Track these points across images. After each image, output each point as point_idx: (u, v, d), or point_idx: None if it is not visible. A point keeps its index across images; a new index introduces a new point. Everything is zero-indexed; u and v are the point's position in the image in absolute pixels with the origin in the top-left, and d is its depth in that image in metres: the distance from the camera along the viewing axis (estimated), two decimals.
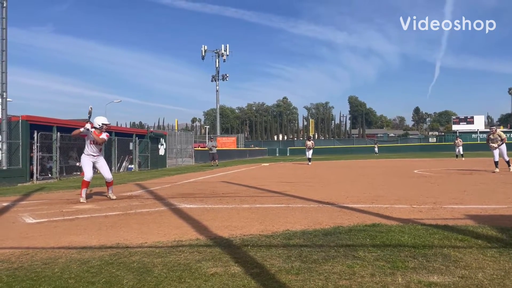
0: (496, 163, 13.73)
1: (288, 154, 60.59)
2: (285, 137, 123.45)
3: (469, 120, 64.69)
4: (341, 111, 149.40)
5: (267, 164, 26.03)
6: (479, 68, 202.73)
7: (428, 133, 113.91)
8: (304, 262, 3.30)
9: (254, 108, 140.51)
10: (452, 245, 3.72)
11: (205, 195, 8.63)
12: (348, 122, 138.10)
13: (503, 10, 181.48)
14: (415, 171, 15.21)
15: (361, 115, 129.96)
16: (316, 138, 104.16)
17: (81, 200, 7.63)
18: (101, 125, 8.01)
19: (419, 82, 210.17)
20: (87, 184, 7.83)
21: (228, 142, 47.58)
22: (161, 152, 23.94)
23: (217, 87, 47.09)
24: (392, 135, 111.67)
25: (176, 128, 60.62)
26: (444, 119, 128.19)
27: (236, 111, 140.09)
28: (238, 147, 48.90)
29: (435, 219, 5.10)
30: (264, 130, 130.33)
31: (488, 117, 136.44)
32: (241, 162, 30.71)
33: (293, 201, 7.26)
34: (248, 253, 3.64)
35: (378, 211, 5.90)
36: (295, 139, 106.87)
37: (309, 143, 23.92)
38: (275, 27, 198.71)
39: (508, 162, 13.77)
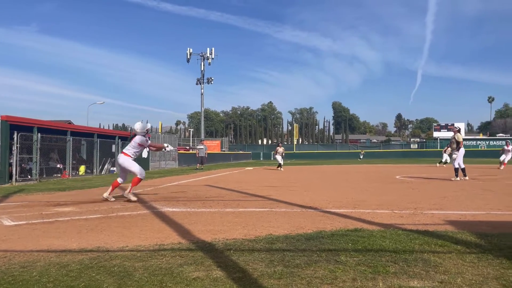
0: (462, 170, 13.16)
1: (272, 158, 60.60)
2: (270, 141, 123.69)
3: (450, 127, 65.80)
4: (325, 117, 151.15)
5: (251, 168, 26.03)
6: (460, 76, 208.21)
7: (410, 140, 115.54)
8: (287, 266, 3.31)
9: (239, 112, 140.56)
10: (432, 250, 3.77)
11: (188, 198, 8.57)
12: (332, 127, 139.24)
13: (483, 20, 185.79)
14: (397, 177, 15.41)
15: (344, 120, 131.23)
16: (300, 143, 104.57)
17: (133, 198, 7.87)
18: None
19: (402, 89, 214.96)
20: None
21: (212, 146, 47.43)
22: (144, 154, 23.66)
23: (202, 90, 46.92)
24: (374, 141, 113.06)
25: (160, 131, 60.07)
26: (426, 126, 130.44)
27: (221, 114, 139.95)
28: (222, 150, 48.79)
29: (416, 224, 5.17)
30: (249, 134, 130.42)
31: (468, 125, 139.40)
32: (225, 166, 30.65)
33: (276, 205, 7.26)
34: (230, 257, 3.63)
35: (360, 216, 5.95)
36: (279, 143, 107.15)
37: (280, 149, 23.52)
38: (260, 32, 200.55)
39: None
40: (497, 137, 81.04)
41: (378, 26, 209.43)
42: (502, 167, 21.20)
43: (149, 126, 8.64)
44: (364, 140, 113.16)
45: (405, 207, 6.79)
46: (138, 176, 8.09)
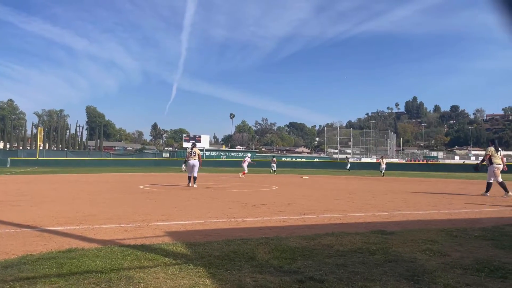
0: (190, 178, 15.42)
1: (8, 166, 52.16)
2: (8, 146, 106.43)
3: (198, 139, 71.75)
4: (78, 121, 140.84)
5: None
6: (208, 93, 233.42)
7: (164, 149, 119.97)
8: None
9: None
10: (140, 266, 3.82)
11: None
12: (85, 133, 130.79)
13: (227, 46, 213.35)
14: (141, 187, 15.55)
15: (99, 126, 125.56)
16: (47, 148, 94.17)
17: None
18: None
19: (158, 99, 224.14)
20: None
21: None
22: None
23: None
24: (129, 148, 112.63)
25: None
26: (178, 136, 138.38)
27: None
28: None
29: (137, 238, 5.21)
30: None
31: (214, 137, 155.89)
32: None
33: None
34: None
35: (82, 233, 5.62)
36: (21, 148, 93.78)
37: None
38: (1, 19, 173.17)
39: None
40: (236, 149, 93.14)
41: (137, 35, 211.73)
42: (242, 175, 25.22)
43: None
44: (119, 148, 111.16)
45: (134, 220, 6.81)
46: None
